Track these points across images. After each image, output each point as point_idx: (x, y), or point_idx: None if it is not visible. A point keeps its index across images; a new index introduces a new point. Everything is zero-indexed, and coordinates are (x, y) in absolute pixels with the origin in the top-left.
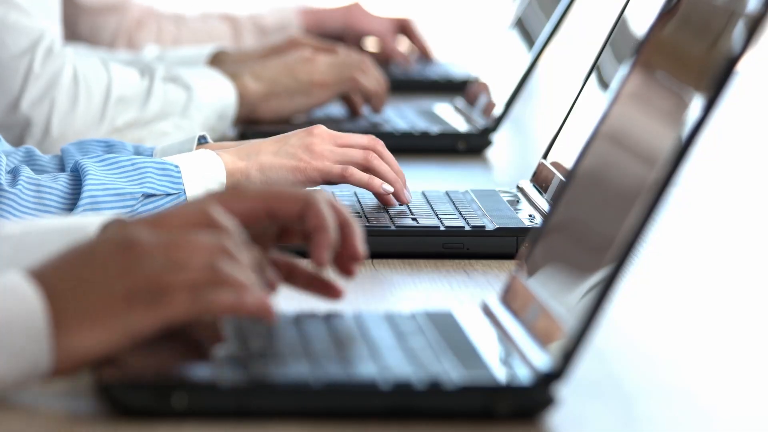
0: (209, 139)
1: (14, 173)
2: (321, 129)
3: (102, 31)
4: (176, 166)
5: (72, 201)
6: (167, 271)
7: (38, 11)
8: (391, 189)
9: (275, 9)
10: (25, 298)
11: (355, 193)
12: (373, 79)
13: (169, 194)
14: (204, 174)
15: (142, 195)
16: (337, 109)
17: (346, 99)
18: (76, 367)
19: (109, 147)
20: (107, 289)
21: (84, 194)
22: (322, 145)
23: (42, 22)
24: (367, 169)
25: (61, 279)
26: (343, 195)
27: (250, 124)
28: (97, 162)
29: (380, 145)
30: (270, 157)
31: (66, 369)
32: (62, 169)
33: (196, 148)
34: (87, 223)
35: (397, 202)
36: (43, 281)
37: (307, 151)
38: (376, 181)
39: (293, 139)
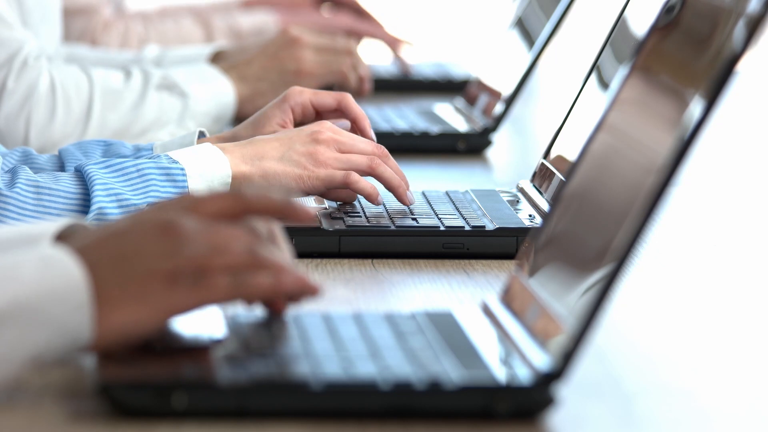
0: (207, 135)
1: (12, 174)
2: (326, 134)
3: (68, 34)
4: (182, 169)
5: (76, 203)
6: (208, 255)
7: (37, 15)
8: (381, 203)
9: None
10: (67, 270)
11: None
12: (359, 72)
13: None
14: (209, 173)
15: (147, 205)
16: None
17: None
18: (114, 342)
19: (108, 146)
20: (149, 267)
21: (93, 205)
22: (326, 153)
23: (22, 34)
24: (372, 175)
25: (103, 254)
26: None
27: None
28: (103, 168)
29: (384, 152)
30: (274, 164)
31: (105, 343)
32: (61, 169)
33: (198, 142)
34: (40, 233)
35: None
36: (85, 255)
37: (311, 160)
38: (375, 192)
39: (298, 144)
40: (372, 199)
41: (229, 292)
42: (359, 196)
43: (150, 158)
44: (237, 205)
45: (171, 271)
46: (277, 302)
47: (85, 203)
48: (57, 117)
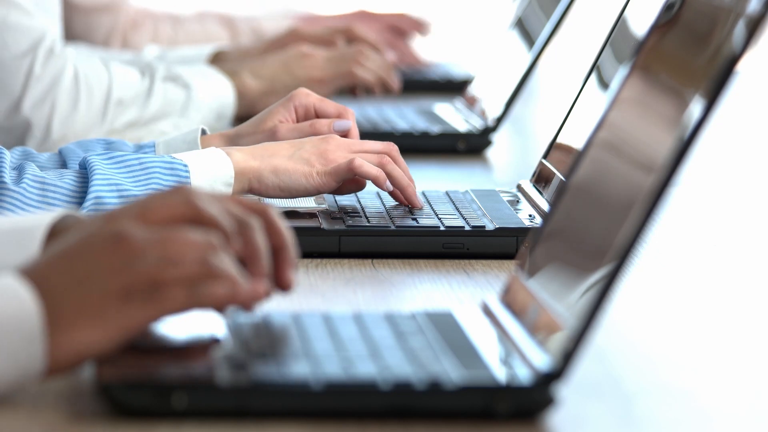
0: (208, 133)
1: (19, 170)
2: (337, 138)
3: (95, 31)
4: (185, 165)
5: (78, 199)
6: (161, 267)
7: (39, 11)
8: (391, 188)
9: (274, 15)
10: (19, 299)
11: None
12: (372, 68)
13: None
14: (212, 173)
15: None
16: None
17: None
18: (72, 365)
19: (109, 145)
20: (102, 286)
21: (90, 194)
22: (336, 152)
23: (43, 22)
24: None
25: (55, 277)
26: (343, 195)
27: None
28: (105, 159)
29: (395, 150)
30: (284, 161)
31: (62, 368)
32: (62, 167)
33: (201, 139)
34: (35, 224)
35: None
36: (36, 280)
37: (321, 158)
38: (382, 176)
39: (308, 145)
40: (379, 182)
41: (184, 303)
42: (363, 195)
43: (154, 155)
44: (187, 212)
45: (124, 287)
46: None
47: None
48: (80, 107)
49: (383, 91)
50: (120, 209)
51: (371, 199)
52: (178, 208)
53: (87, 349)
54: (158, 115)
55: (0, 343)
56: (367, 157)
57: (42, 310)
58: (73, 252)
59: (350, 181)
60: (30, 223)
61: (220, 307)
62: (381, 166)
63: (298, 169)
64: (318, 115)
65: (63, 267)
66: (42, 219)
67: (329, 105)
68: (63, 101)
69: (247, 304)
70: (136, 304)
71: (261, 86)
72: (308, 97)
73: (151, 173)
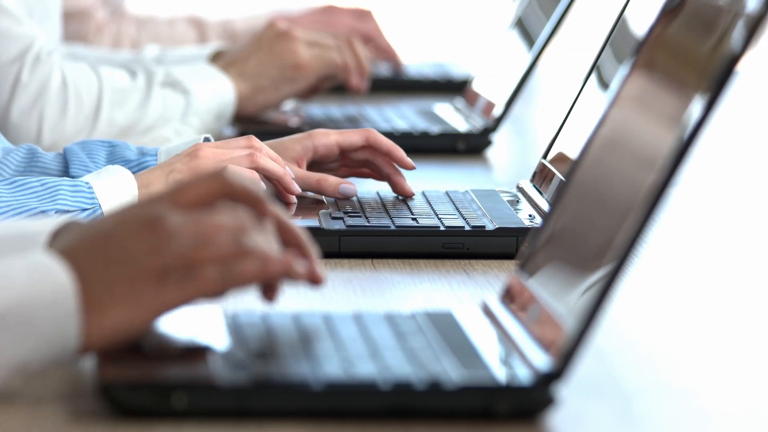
0: (212, 141)
1: None
2: (204, 150)
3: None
4: (86, 183)
5: None
6: (195, 248)
7: (29, 18)
8: (265, 187)
9: (247, 15)
10: (56, 277)
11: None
12: (355, 58)
13: (84, 209)
14: (116, 189)
15: (56, 212)
16: (336, 110)
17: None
18: (105, 345)
19: (112, 147)
20: (137, 266)
21: None
22: (208, 166)
23: (32, 29)
24: (255, 170)
25: (89, 256)
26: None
27: (248, 124)
28: (6, 185)
29: (255, 141)
30: (160, 189)
31: (96, 346)
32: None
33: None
34: (38, 231)
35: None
36: (73, 260)
37: (194, 174)
38: (255, 177)
39: (178, 164)
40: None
41: (218, 284)
42: (360, 196)
43: (57, 177)
44: (217, 188)
45: (159, 267)
46: (270, 290)
47: None
48: (69, 113)
49: (347, 85)
50: (153, 195)
51: (371, 199)
52: (208, 185)
53: (121, 328)
54: (159, 121)
55: (35, 319)
56: (239, 161)
57: (77, 288)
58: (106, 233)
59: None
60: (33, 229)
61: (252, 284)
62: (253, 164)
63: None
64: (344, 150)
65: (96, 247)
66: (45, 225)
67: (351, 135)
68: (51, 108)
69: (277, 279)
70: (172, 284)
71: (248, 88)
72: (328, 136)
73: (56, 192)
